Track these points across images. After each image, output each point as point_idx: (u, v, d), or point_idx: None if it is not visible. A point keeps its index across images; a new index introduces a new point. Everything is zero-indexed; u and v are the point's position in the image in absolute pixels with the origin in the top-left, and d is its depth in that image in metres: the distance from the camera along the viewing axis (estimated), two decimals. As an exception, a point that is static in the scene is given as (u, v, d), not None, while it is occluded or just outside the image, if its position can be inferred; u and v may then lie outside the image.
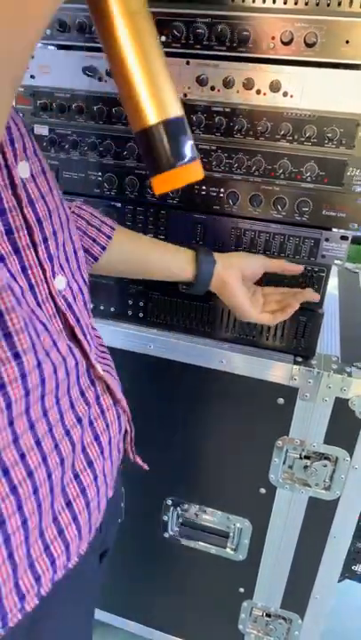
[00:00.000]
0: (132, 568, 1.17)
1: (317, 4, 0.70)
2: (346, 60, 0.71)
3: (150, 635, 1.22)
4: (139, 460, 0.70)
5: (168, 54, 0.76)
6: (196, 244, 0.85)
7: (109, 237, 0.70)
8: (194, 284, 0.75)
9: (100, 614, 1.25)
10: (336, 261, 0.82)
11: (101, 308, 0.95)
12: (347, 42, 0.70)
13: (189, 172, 0.39)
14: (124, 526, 1.11)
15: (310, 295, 0.79)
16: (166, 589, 1.17)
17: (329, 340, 0.96)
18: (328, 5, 0.69)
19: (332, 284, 1.24)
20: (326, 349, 0.92)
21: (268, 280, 0.84)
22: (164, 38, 0.76)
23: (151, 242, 0.76)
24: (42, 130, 0.86)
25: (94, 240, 0.69)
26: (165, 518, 1.07)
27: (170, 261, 0.74)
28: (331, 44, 0.71)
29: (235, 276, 0.75)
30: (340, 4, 0.69)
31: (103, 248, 0.70)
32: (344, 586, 1.16)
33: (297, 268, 0.79)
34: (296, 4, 0.70)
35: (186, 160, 0.39)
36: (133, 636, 1.25)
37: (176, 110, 0.38)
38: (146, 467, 0.70)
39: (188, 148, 0.39)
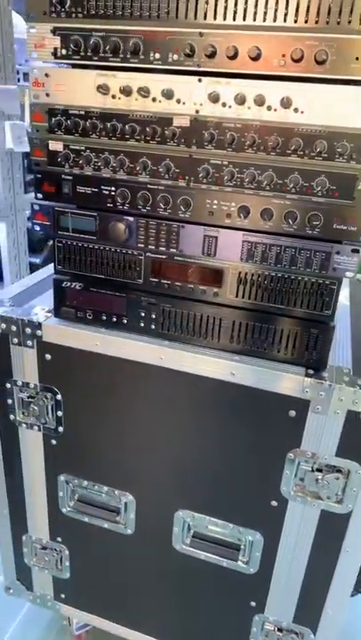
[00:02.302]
0: (141, 580, 1.16)
1: (328, 23, 0.71)
2: (356, 76, 0.72)
3: (161, 648, 1.22)
4: None
5: (181, 72, 0.79)
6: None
7: None
8: None
9: (106, 625, 1.24)
10: (347, 274, 0.82)
11: (114, 320, 0.96)
12: (357, 58, 0.71)
13: None
14: (134, 537, 1.11)
15: None
16: (177, 602, 1.16)
17: (341, 353, 0.96)
18: (338, 24, 0.70)
19: (344, 295, 1.24)
20: (338, 362, 0.92)
21: (277, 292, 0.84)
22: (175, 57, 0.78)
23: None
24: (56, 146, 0.88)
25: None
26: (176, 530, 1.07)
27: None
28: (341, 61, 0.72)
29: None
30: (350, 22, 0.70)
31: None
32: (358, 599, 1.15)
33: None
34: (307, 22, 0.71)
35: None
36: (144, 649, 1.24)
37: None
38: None
39: None
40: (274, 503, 0.97)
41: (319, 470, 0.92)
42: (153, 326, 0.95)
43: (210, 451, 0.98)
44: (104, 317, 0.97)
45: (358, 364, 0.92)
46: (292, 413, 0.89)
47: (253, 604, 1.08)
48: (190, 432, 0.98)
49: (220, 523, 1.04)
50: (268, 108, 0.76)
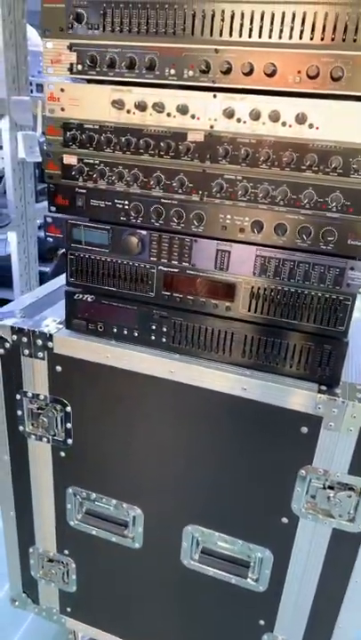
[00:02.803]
0: (148, 595, 1.15)
1: (344, 40, 0.71)
2: (373, 93, 0.72)
3: (167, 665, 1.20)
4: None
5: (195, 88, 0.79)
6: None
7: None
8: None
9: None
10: (362, 290, 0.81)
11: (125, 332, 0.96)
12: (374, 75, 0.71)
13: None
14: (142, 552, 1.10)
15: None
16: (184, 618, 1.14)
17: (354, 369, 0.95)
18: (354, 41, 0.70)
19: (359, 309, 1.23)
20: (351, 378, 0.91)
21: (290, 307, 0.84)
22: (191, 73, 0.78)
23: None
24: (71, 160, 0.88)
25: None
26: (185, 545, 1.06)
27: None
28: (357, 77, 0.71)
29: None
30: (367, 39, 0.70)
31: None
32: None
33: None
34: (323, 39, 0.71)
35: None
36: (150, 666, 1.22)
37: None
38: None
39: None
40: (285, 520, 0.96)
41: (331, 488, 0.91)
42: (164, 339, 0.94)
43: (219, 465, 0.97)
44: (115, 330, 0.96)
45: (372, 380, 0.91)
46: (305, 430, 0.88)
47: (262, 622, 1.07)
48: (200, 446, 0.97)
49: (229, 539, 1.02)
50: (283, 124, 0.76)
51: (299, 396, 0.86)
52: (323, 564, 0.96)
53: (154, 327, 0.94)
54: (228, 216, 0.83)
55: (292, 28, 0.72)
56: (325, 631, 1.02)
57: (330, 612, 1.00)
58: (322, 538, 0.94)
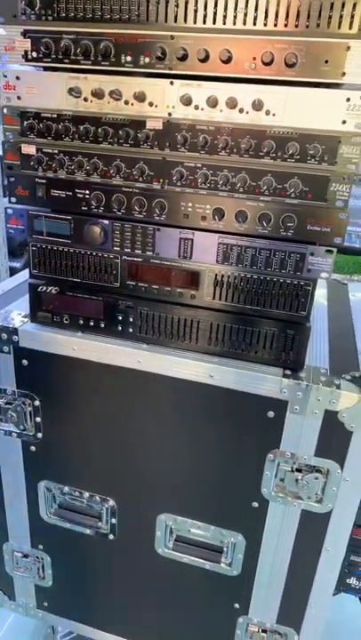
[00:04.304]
0: (124, 585, 1.16)
1: (297, 26, 0.71)
2: (326, 79, 0.72)
3: (146, 653, 1.21)
4: None
5: (153, 75, 0.78)
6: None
7: None
8: None
9: (90, 632, 1.23)
10: (322, 275, 0.83)
11: (91, 324, 0.95)
12: (326, 61, 0.72)
13: None
14: (116, 543, 1.10)
15: None
16: (160, 606, 1.15)
17: (318, 352, 0.96)
18: (307, 27, 0.71)
19: (322, 295, 1.25)
20: (315, 362, 0.92)
21: (254, 294, 0.85)
22: (147, 59, 0.77)
23: None
24: (29, 149, 0.87)
25: None
26: (159, 534, 1.06)
27: None
28: (311, 63, 0.72)
29: None
30: (318, 25, 0.70)
31: None
32: (340, 599, 1.16)
33: None
34: (276, 25, 0.72)
35: None
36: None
37: None
38: None
39: None
40: (255, 504, 0.97)
41: (299, 470, 0.93)
42: (131, 329, 0.94)
43: (190, 453, 0.98)
44: (81, 322, 0.96)
45: (335, 363, 0.93)
46: (271, 414, 0.89)
47: (237, 605, 1.08)
48: (170, 435, 0.98)
49: (202, 525, 1.03)
50: (241, 111, 0.76)
51: (264, 381, 0.87)
52: (293, 545, 0.98)
53: (120, 317, 0.94)
54: (190, 204, 0.83)
55: (246, 14, 0.72)
56: (298, 610, 1.04)
57: (302, 593, 1.02)
58: (291, 520, 0.96)
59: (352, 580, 1.04)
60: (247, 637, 1.10)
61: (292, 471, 0.93)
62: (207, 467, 0.98)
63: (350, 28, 0.70)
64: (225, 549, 1.04)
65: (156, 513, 1.05)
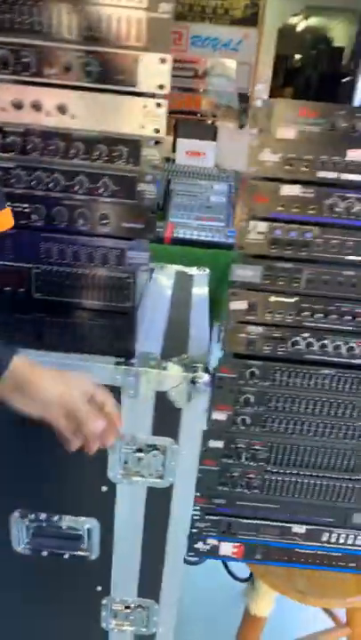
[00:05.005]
0: (-12, 589, 1.14)
1: (94, 38, 0.76)
2: (121, 86, 0.79)
3: (17, 653, 1.21)
4: None
5: None
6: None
7: None
8: None
9: None
10: (141, 267, 0.89)
11: None
12: (124, 72, 0.78)
13: None
14: None
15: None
16: (27, 603, 1.16)
17: (153, 340, 1.03)
18: (102, 39, 0.76)
19: (168, 286, 1.34)
20: (148, 348, 0.99)
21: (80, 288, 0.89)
22: None
23: None
24: None
25: None
26: (15, 532, 1.07)
27: None
28: (107, 72, 0.78)
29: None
30: (112, 37, 0.76)
31: None
32: (204, 569, 1.25)
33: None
34: (71, 35, 0.76)
35: None
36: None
37: None
38: None
39: None
40: (104, 489, 1.02)
41: (140, 451, 0.99)
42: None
43: (35, 449, 0.99)
44: None
45: (167, 349, 1.01)
46: (109, 401, 0.94)
47: (100, 588, 1.13)
48: (11, 434, 0.98)
49: (56, 517, 1.06)
50: (47, 114, 0.80)
51: (98, 371, 0.92)
52: (143, 521, 1.05)
53: None
54: (8, 204, 0.85)
55: (47, 22, 0.76)
56: (155, 582, 1.11)
57: (156, 565, 1.09)
58: (139, 498, 1.03)
59: (200, 545, 1.13)
60: (112, 616, 1.16)
61: (134, 452, 0.99)
62: (53, 459, 1.00)
63: (138, 42, 0.76)
64: (82, 536, 1.08)
65: (9, 511, 1.05)
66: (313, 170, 0.76)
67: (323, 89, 5.53)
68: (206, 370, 0.94)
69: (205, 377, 0.93)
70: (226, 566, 1.38)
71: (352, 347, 0.87)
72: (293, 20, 6.78)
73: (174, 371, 0.93)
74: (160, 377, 0.92)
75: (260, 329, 0.88)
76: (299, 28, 7.16)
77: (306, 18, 6.82)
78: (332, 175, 0.76)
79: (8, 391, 0.70)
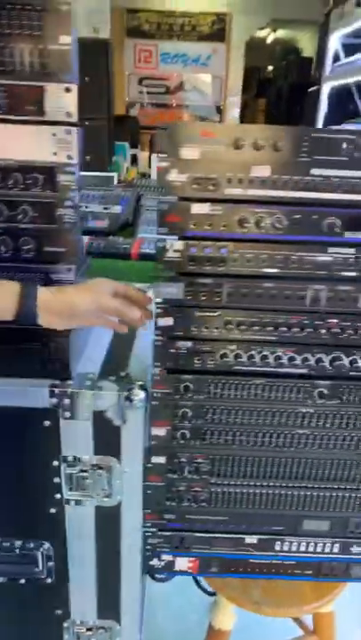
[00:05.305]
0: None
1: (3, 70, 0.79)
2: (32, 117, 0.81)
3: None
4: None
5: None
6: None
7: None
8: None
9: None
10: (70, 290, 0.90)
11: None
12: (31, 103, 0.80)
13: None
14: None
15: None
16: (-11, 632, 1.15)
17: (93, 359, 1.05)
18: (12, 71, 0.79)
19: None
20: (87, 368, 1.00)
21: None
22: None
23: None
24: None
25: None
26: (-32, 561, 1.07)
27: None
28: (17, 103, 0.80)
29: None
30: (17, 69, 0.79)
31: None
32: (175, 585, 1.24)
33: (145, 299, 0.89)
34: (-22, 70, 0.79)
35: None
36: None
37: None
38: None
39: None
40: (53, 511, 1.02)
41: (85, 471, 1.00)
42: None
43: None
44: None
45: (107, 367, 1.02)
46: (47, 423, 0.95)
47: (59, 612, 1.12)
48: None
49: (9, 543, 1.06)
50: None
51: (34, 393, 0.93)
52: (95, 542, 1.05)
53: None
54: None
55: None
56: (114, 602, 1.11)
57: (113, 584, 1.09)
58: (88, 518, 1.03)
59: (155, 562, 1.13)
60: (75, 639, 1.15)
61: (79, 472, 1.00)
62: (1, 484, 1.01)
63: (42, 73, 0.79)
64: (36, 559, 1.08)
65: None
66: (219, 188, 0.78)
67: (293, 99, 5.64)
68: (142, 387, 0.95)
69: (141, 394, 0.94)
70: (196, 581, 1.37)
71: (279, 355, 0.88)
72: (262, 33, 6.94)
73: (109, 389, 0.94)
74: (95, 397, 0.93)
75: (188, 344, 0.89)
76: (268, 41, 7.32)
77: (274, 30, 6.98)
78: (238, 192, 0.78)
79: (47, 317, 0.81)
